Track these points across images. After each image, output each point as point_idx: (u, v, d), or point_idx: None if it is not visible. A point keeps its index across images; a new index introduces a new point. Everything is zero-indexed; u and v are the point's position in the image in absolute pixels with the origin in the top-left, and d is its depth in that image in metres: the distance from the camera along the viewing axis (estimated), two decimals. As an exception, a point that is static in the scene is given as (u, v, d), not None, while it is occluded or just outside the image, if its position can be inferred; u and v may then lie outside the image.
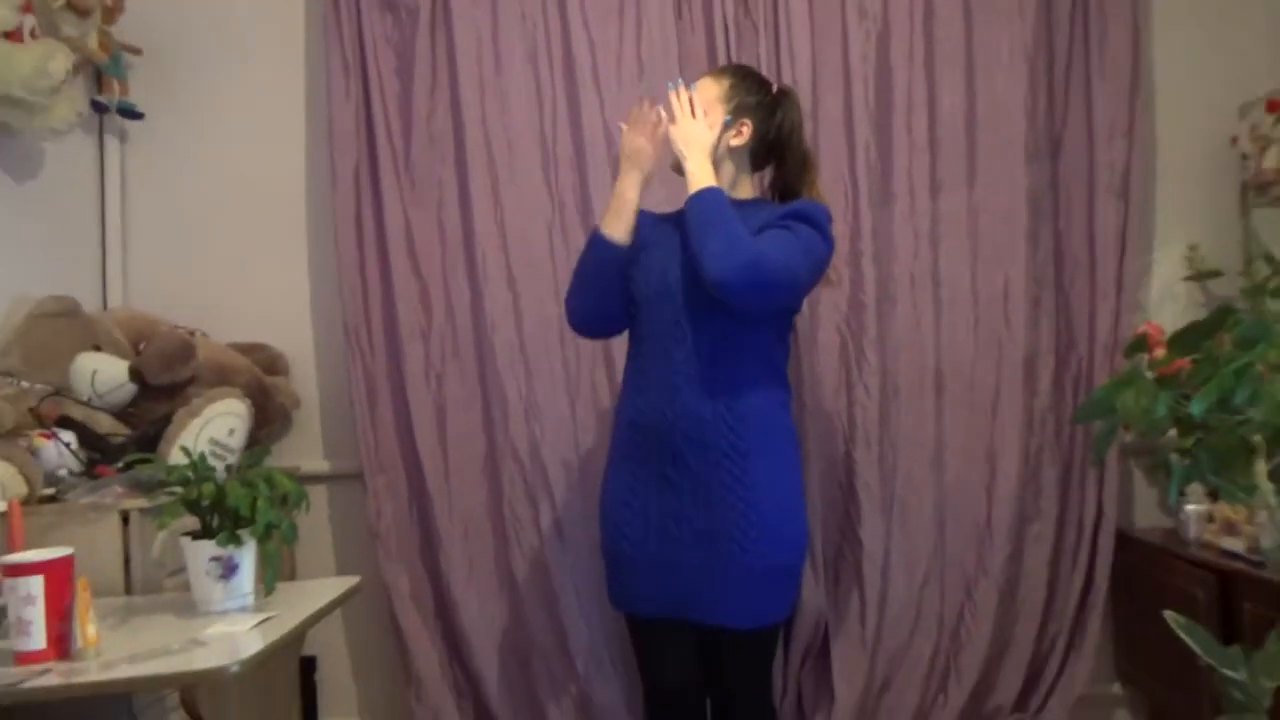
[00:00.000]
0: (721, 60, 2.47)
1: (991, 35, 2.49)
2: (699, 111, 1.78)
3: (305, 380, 2.61)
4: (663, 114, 1.80)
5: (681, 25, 2.52)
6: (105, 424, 2.11)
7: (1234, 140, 2.57)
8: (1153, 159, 2.63)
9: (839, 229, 2.46)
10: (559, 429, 2.46)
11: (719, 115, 1.79)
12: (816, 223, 1.70)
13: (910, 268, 2.50)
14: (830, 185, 2.49)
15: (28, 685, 1.32)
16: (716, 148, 1.78)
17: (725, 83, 1.82)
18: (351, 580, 1.86)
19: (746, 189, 1.86)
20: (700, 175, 1.73)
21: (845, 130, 2.50)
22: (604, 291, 1.82)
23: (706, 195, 1.70)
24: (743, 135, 1.80)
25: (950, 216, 2.51)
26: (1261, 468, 1.42)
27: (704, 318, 1.71)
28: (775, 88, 1.88)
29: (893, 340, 2.49)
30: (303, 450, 2.59)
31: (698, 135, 1.76)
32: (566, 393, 2.47)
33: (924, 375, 2.49)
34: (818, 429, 2.47)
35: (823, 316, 2.49)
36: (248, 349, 2.47)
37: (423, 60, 2.50)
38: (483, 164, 2.47)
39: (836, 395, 2.49)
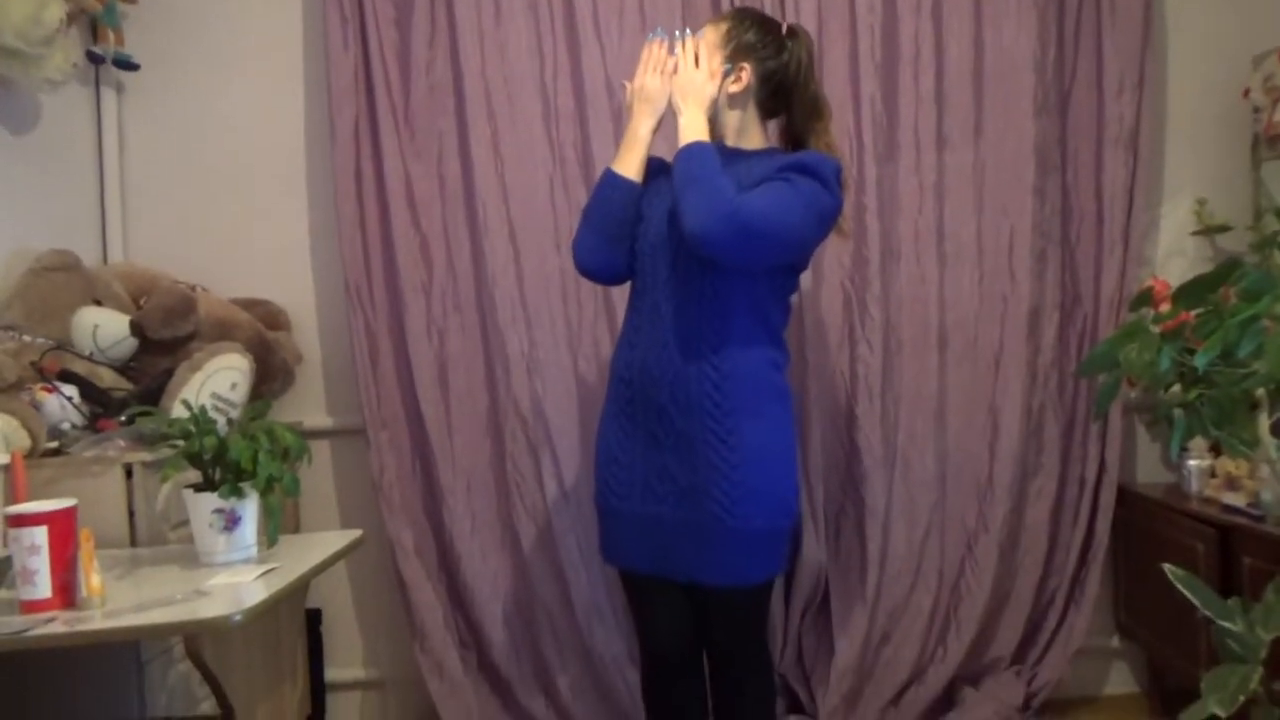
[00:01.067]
0: (725, 10, 2.42)
1: (1001, -16, 2.45)
2: (702, 61, 1.72)
3: (307, 336, 2.60)
4: (679, 53, 1.74)
5: (685, -26, 2.48)
6: (107, 378, 2.11)
7: (1246, 92, 2.53)
8: (1163, 111, 2.59)
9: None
10: (561, 383, 2.46)
11: (718, 63, 1.73)
12: (819, 174, 1.62)
13: (915, 222, 2.48)
14: (835, 138, 2.45)
15: (34, 633, 1.34)
16: (717, 97, 1.73)
17: (724, 27, 1.76)
18: (354, 533, 1.87)
19: (755, 138, 1.79)
20: (690, 129, 1.68)
21: (851, 82, 2.47)
22: (613, 231, 1.77)
23: (693, 149, 1.65)
24: (741, 81, 1.73)
25: (956, 170, 2.48)
26: (1264, 421, 1.42)
27: (695, 273, 1.67)
28: (785, 27, 1.79)
29: (896, 295, 2.48)
30: (305, 406, 2.59)
31: (697, 86, 1.70)
32: (568, 346, 2.47)
33: (927, 330, 2.48)
34: (820, 385, 2.47)
35: (826, 272, 2.47)
36: (248, 304, 2.46)
37: (421, 10, 2.46)
38: (483, 116, 2.44)
39: (839, 351, 2.49)
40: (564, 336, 2.47)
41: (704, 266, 1.65)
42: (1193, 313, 1.49)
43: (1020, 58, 2.45)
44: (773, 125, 1.87)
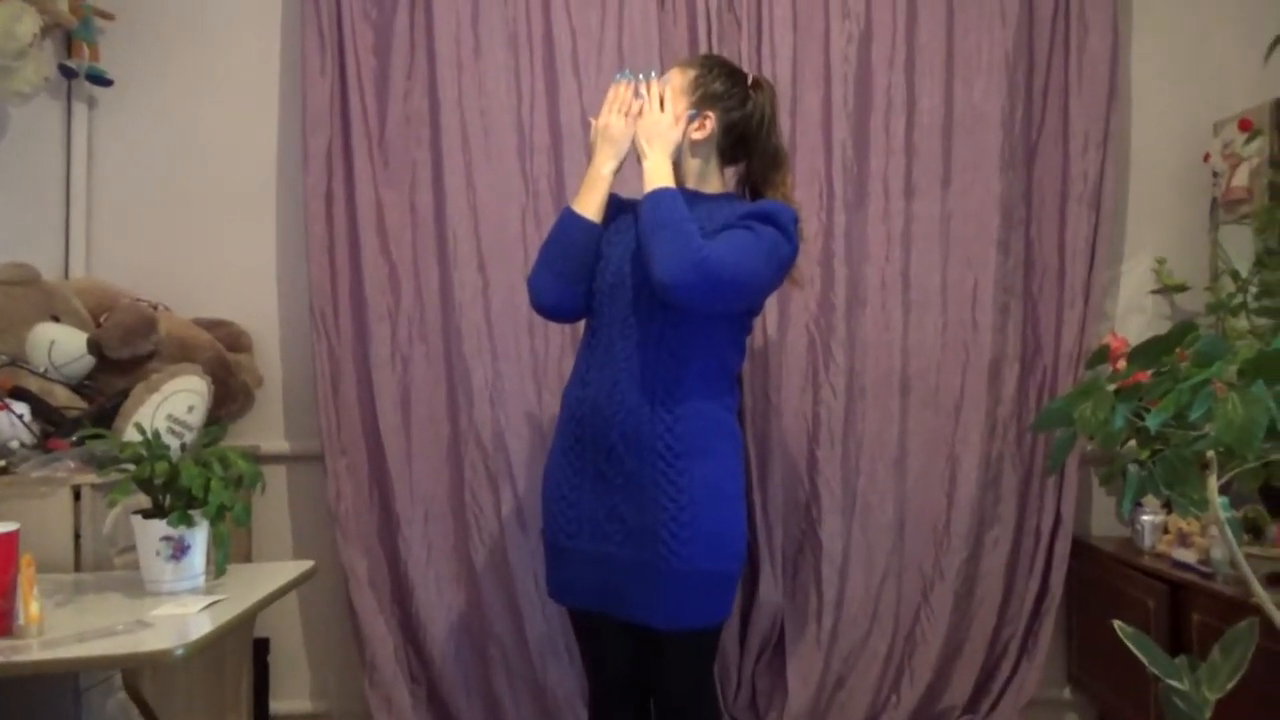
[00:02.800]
0: (692, 56, 2.46)
1: (972, 41, 2.50)
2: (667, 105, 1.72)
3: (268, 359, 2.58)
4: (643, 94, 1.74)
5: (664, 16, 2.51)
6: (61, 396, 2.07)
7: (1206, 157, 2.60)
8: (1126, 171, 2.65)
9: (812, 228, 2.47)
10: (524, 416, 2.45)
11: (683, 108, 1.73)
12: (780, 223, 1.63)
13: (881, 270, 2.51)
14: (805, 185, 2.49)
15: (-33, 662, 1.30)
16: (681, 143, 1.73)
17: (691, 74, 1.76)
18: (305, 564, 1.84)
19: (715, 183, 1.79)
20: (656, 174, 1.68)
21: (823, 130, 2.50)
22: (570, 271, 1.75)
23: (661, 195, 1.65)
24: (705, 129, 1.73)
25: (923, 220, 2.51)
26: (1213, 483, 1.44)
27: (653, 315, 1.66)
28: (750, 78, 1.81)
29: (861, 341, 2.50)
30: (263, 429, 2.56)
31: (662, 130, 1.70)
32: (534, 379, 2.46)
33: (890, 377, 2.50)
34: (782, 427, 2.48)
35: (793, 315, 2.49)
36: (211, 325, 2.44)
37: (401, 39, 2.47)
38: (458, 147, 2.45)
39: (803, 394, 2.50)
40: (529, 369, 2.46)
41: (663, 309, 1.64)
42: (1148, 373, 1.52)
43: (989, 113, 2.50)
44: (730, 170, 1.87)
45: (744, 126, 1.76)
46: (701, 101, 1.74)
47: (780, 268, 1.67)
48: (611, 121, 1.75)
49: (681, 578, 1.61)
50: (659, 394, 1.65)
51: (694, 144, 1.75)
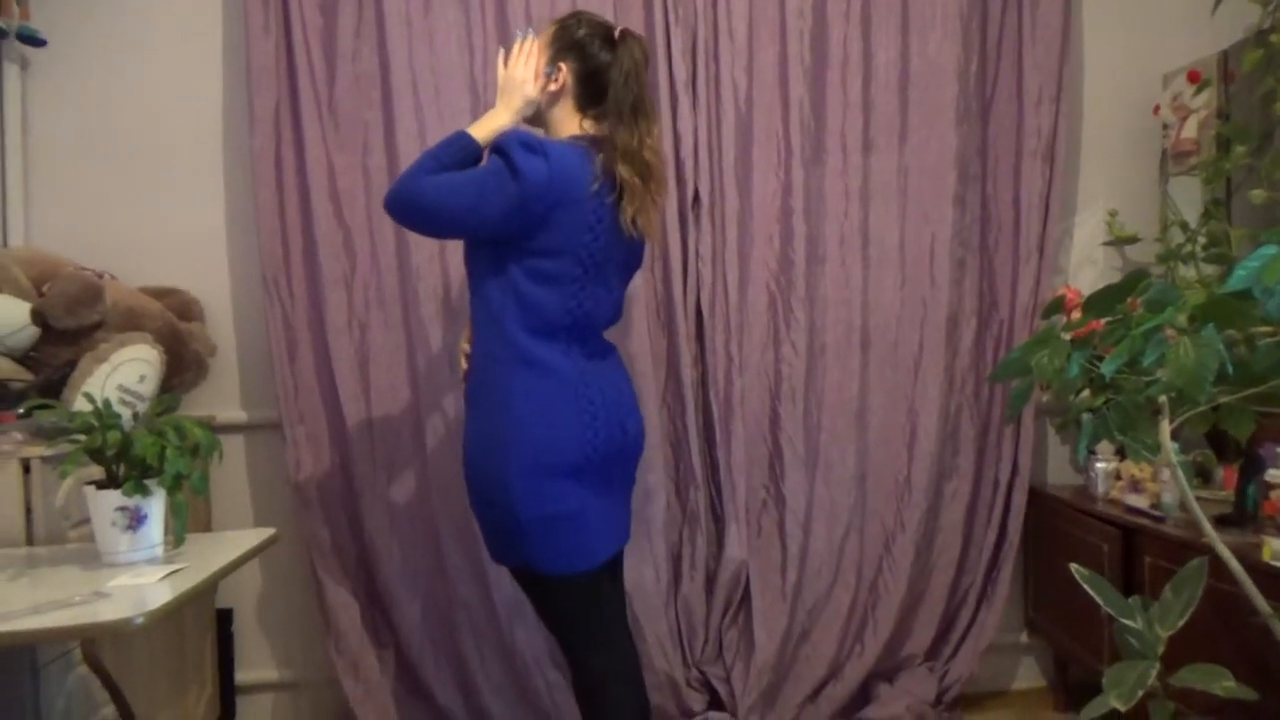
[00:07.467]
0: (658, 10, 2.42)
1: (927, -4, 2.50)
2: (530, 62, 1.75)
3: (221, 327, 2.52)
4: (515, 50, 1.77)
5: (618, -28, 2.47)
6: (5, 368, 2.01)
7: (1156, 109, 2.63)
8: (1078, 125, 2.68)
9: (770, 185, 2.47)
10: (485, 381, 2.43)
11: (543, 63, 1.76)
12: (504, 149, 1.60)
13: (840, 226, 2.51)
14: (763, 142, 2.49)
15: (-83, 638, 1.26)
16: (537, 99, 1.75)
17: (551, 29, 1.79)
18: (266, 531, 1.82)
19: (569, 130, 1.76)
20: (485, 123, 1.72)
21: (780, 86, 2.49)
22: None
23: (454, 135, 1.70)
24: (559, 82, 1.75)
25: (880, 176, 2.52)
26: (1165, 427, 1.47)
27: (469, 263, 1.72)
28: (619, 32, 1.77)
29: (821, 298, 2.51)
30: (219, 399, 2.51)
31: (516, 84, 1.74)
32: (494, 344, 2.44)
33: (850, 333, 2.52)
34: (744, 384, 2.49)
35: (753, 272, 2.49)
36: (160, 293, 2.37)
37: (348, -4, 2.40)
38: (409, 109, 2.39)
39: (764, 351, 2.51)
40: (489, 332, 2.44)
41: (473, 255, 1.70)
42: (1102, 321, 1.54)
43: (944, 67, 2.50)
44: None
45: (602, 76, 1.74)
46: (560, 52, 1.75)
47: (499, 190, 1.58)
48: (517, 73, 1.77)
49: (476, 513, 1.72)
50: (475, 341, 1.72)
51: (551, 96, 1.77)
